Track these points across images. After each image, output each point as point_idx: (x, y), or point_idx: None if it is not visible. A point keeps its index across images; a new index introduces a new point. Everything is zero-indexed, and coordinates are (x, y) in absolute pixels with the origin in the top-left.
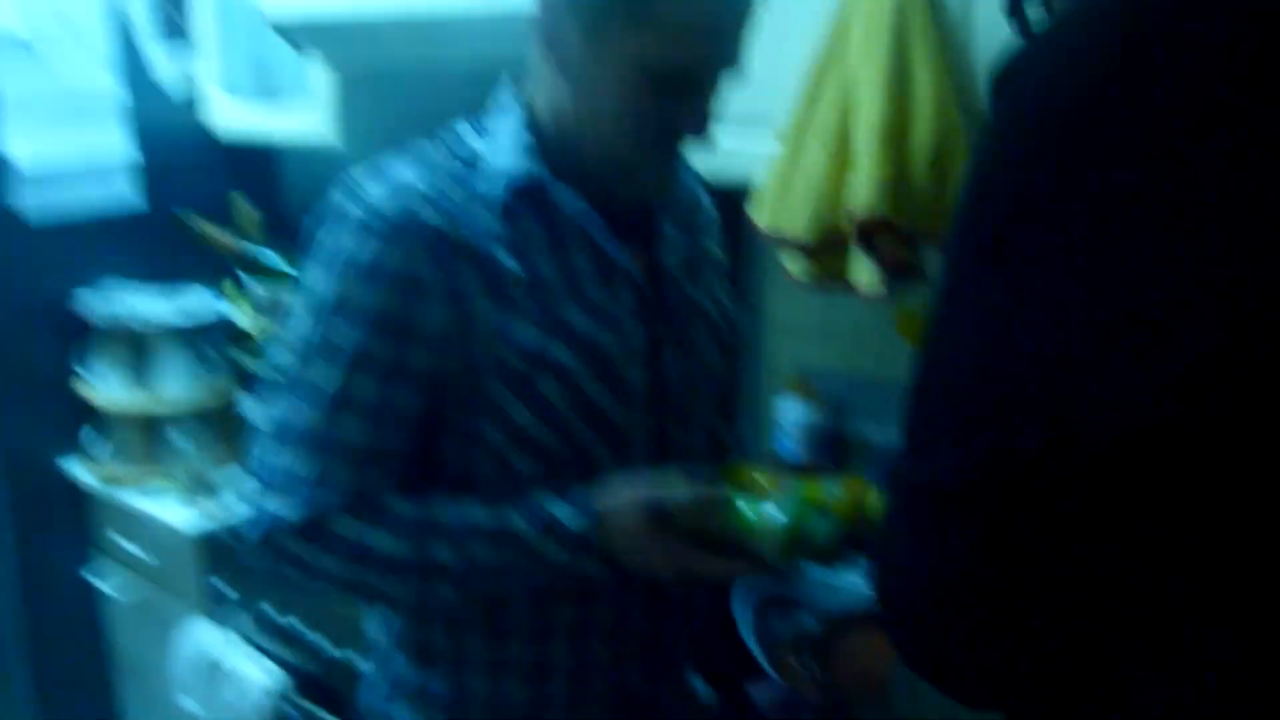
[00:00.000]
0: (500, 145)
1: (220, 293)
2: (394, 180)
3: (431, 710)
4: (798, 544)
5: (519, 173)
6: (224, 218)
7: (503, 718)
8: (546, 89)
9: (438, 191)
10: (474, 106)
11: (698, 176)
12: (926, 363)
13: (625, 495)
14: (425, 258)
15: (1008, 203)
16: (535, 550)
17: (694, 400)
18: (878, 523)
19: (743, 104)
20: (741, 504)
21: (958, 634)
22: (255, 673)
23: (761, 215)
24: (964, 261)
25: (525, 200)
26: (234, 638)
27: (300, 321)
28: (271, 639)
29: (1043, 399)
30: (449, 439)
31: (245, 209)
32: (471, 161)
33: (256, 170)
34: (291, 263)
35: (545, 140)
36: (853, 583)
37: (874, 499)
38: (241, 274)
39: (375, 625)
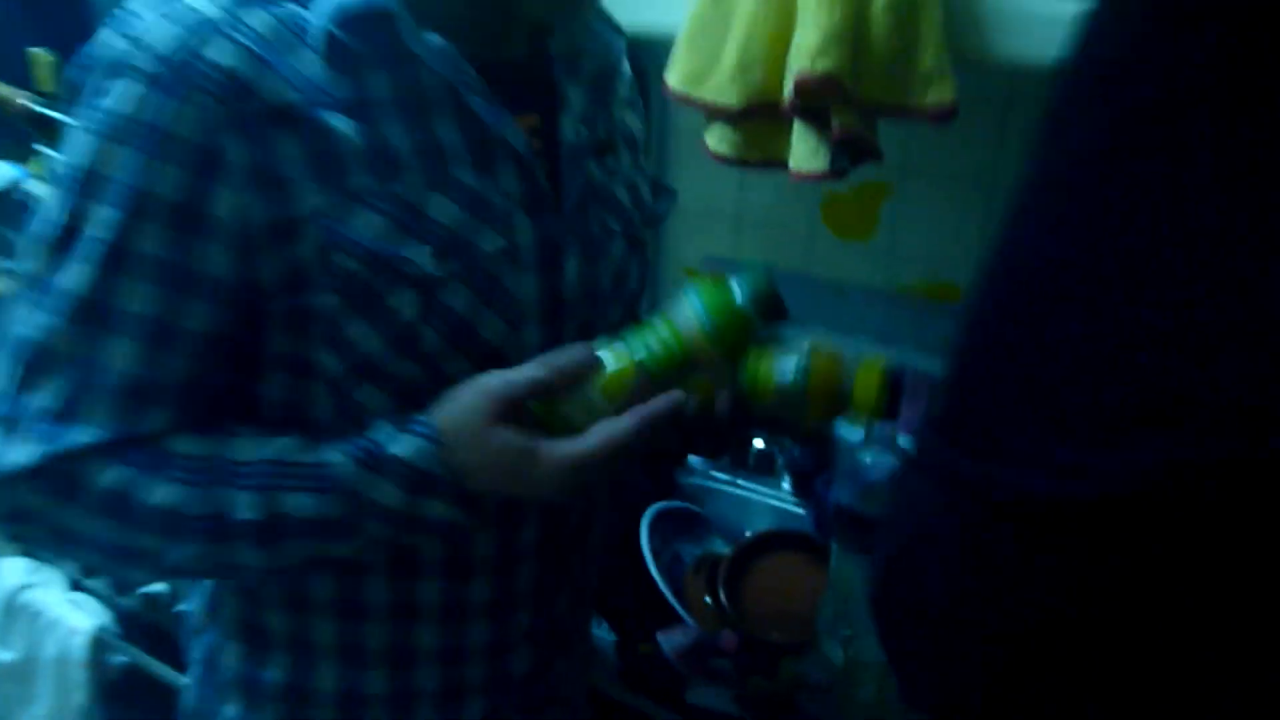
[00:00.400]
0: None
1: (21, 163)
2: (179, 7)
3: (270, 708)
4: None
5: None
6: (22, 76)
7: (359, 715)
8: None
9: (237, 23)
10: None
11: (616, 28)
12: (1002, 331)
13: (465, 396)
14: (221, 117)
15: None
16: (360, 492)
17: (599, 316)
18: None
19: None
20: (610, 352)
21: (1023, 684)
22: (75, 614)
23: (676, 74)
24: (1083, 184)
25: (365, 39)
26: (51, 576)
27: (51, 205)
28: (92, 576)
29: (1248, 391)
30: (272, 371)
31: (44, 64)
32: None
33: (59, 17)
34: None
35: None
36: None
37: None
38: (41, 141)
39: (196, 606)
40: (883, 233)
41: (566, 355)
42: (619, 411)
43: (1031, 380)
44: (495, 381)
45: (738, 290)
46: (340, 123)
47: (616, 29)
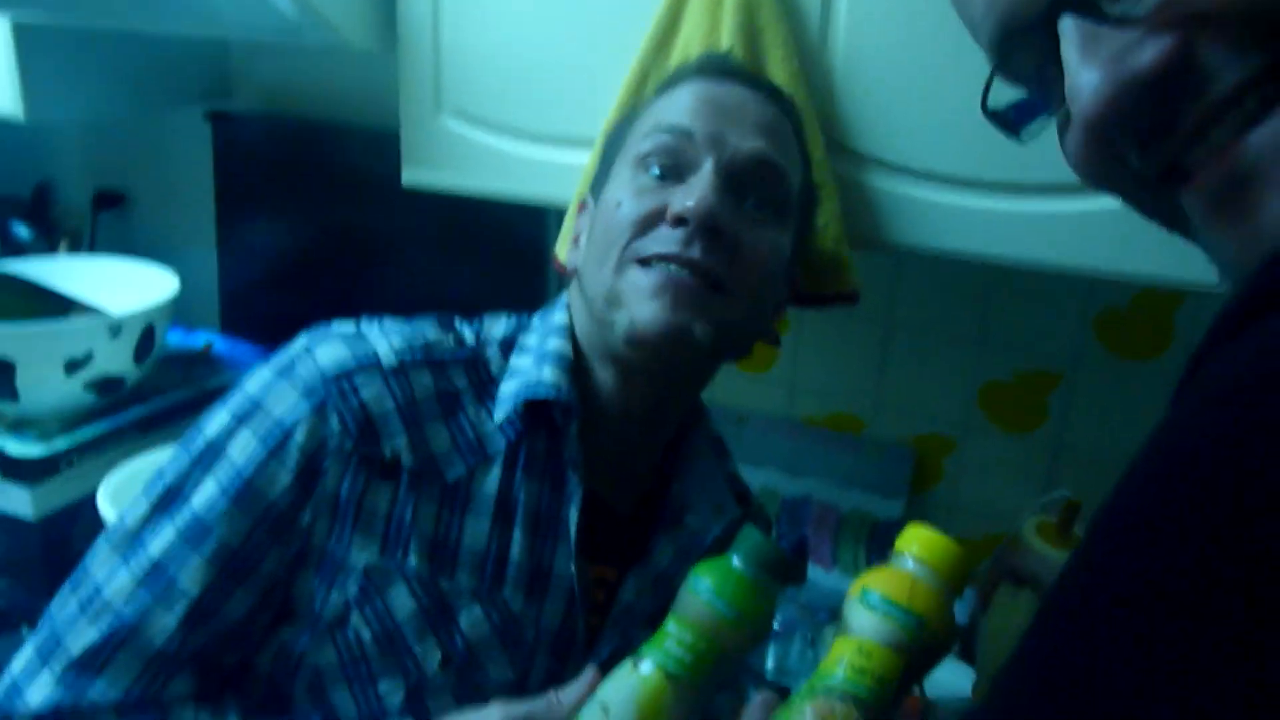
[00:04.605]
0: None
1: None
2: (363, 342)
3: None
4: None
5: (545, 385)
6: None
7: None
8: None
9: (401, 377)
10: (183, 76)
11: (743, 494)
12: None
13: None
14: (338, 445)
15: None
16: None
17: None
18: None
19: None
20: (635, 675)
21: None
22: None
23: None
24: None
25: (532, 426)
26: None
27: (170, 462)
28: None
29: None
30: (268, 650)
31: None
32: (472, 352)
33: None
34: None
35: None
36: None
37: None
38: None
39: None
40: (783, 364)
41: (577, 686)
42: None
43: None
44: (496, 713)
45: (739, 562)
46: (430, 504)
47: (743, 495)
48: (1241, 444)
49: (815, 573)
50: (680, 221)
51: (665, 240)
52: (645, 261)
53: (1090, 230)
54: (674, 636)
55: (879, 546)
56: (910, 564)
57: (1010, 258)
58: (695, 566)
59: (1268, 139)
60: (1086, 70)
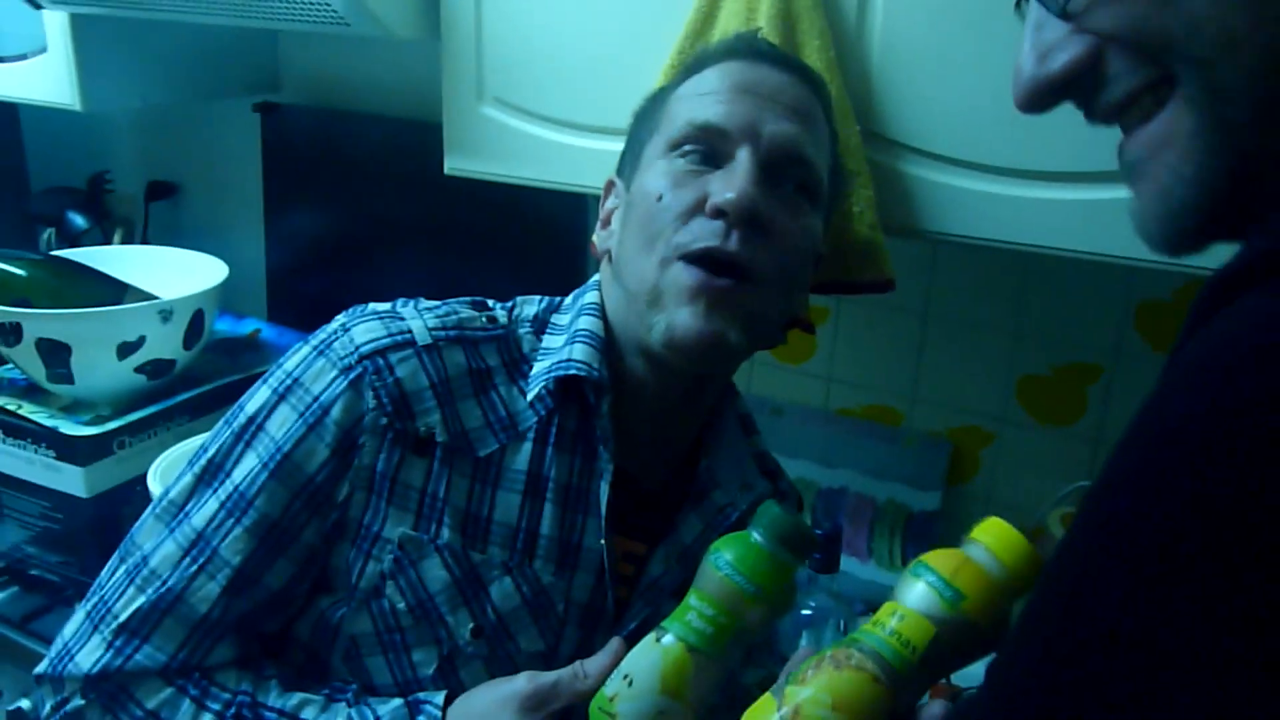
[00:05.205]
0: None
1: None
2: (397, 320)
3: None
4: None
5: (576, 363)
6: None
7: None
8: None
9: (435, 355)
10: (233, 68)
11: (771, 471)
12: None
13: (490, 693)
14: (374, 420)
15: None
16: None
17: None
18: None
19: None
20: (659, 647)
21: None
22: None
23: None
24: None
25: (563, 403)
26: None
27: (212, 436)
28: None
29: None
30: (305, 618)
31: None
32: (504, 331)
33: None
34: (32, 249)
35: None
36: None
37: None
38: None
39: None
40: (820, 356)
41: (602, 656)
42: (686, 704)
43: None
44: (523, 680)
45: (758, 536)
46: (463, 479)
47: (772, 472)
48: (1215, 417)
49: (850, 564)
50: (720, 213)
51: (705, 232)
52: (687, 258)
53: (1129, 219)
54: (695, 610)
55: (914, 538)
56: (974, 547)
57: (1048, 247)
58: (716, 541)
59: (1144, 140)
60: (1026, 57)
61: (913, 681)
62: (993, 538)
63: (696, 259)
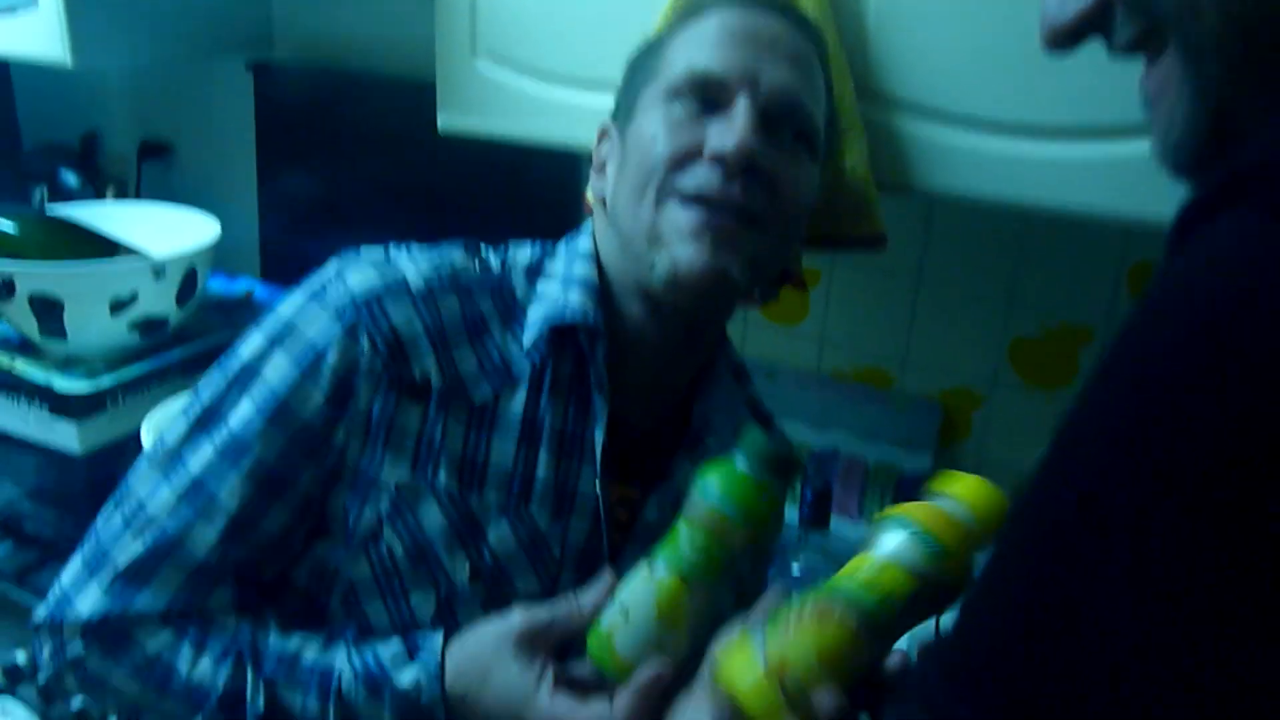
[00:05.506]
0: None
1: None
2: (392, 266)
3: None
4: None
5: (571, 310)
6: None
7: None
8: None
9: (430, 300)
10: (226, 26)
11: (764, 417)
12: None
13: (485, 630)
14: (369, 364)
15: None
16: (357, 711)
17: None
18: None
19: None
20: (651, 579)
21: None
22: None
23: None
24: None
25: (559, 349)
26: None
27: (206, 383)
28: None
29: None
30: (303, 565)
31: None
32: (498, 278)
33: None
34: (21, 205)
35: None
36: None
37: None
38: None
39: None
40: (813, 317)
41: (595, 589)
42: (682, 633)
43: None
44: (517, 616)
45: (742, 463)
46: (458, 424)
47: (764, 419)
48: (1181, 346)
49: (841, 525)
50: (719, 160)
51: (704, 178)
52: (685, 199)
53: (1127, 175)
54: (686, 540)
55: (905, 500)
56: (946, 500)
57: (1043, 204)
58: (701, 469)
59: (1153, 79)
60: (1049, 2)
61: (891, 633)
62: (967, 490)
63: (694, 199)
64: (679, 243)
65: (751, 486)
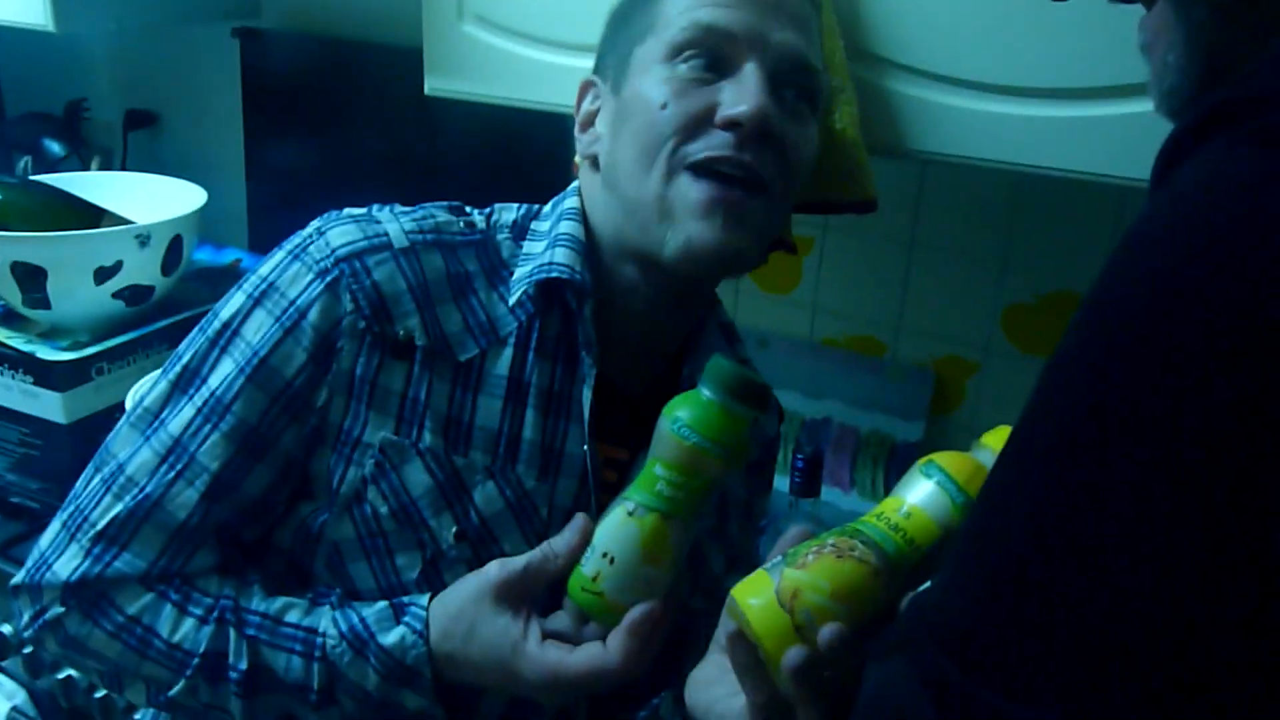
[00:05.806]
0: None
1: None
2: (374, 224)
3: None
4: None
5: (559, 266)
6: None
7: None
8: (588, 189)
9: (413, 258)
10: None
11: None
12: (1047, 575)
13: (466, 585)
14: (352, 324)
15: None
16: (342, 670)
17: None
18: None
19: None
20: (633, 519)
21: None
22: None
23: None
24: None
25: (546, 305)
26: None
27: (186, 344)
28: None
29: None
30: (286, 526)
31: None
32: (483, 236)
33: None
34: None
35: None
36: None
37: None
38: None
39: None
40: (805, 285)
41: (569, 534)
42: (668, 569)
43: (1074, 630)
44: (493, 569)
45: (709, 392)
46: (443, 383)
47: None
48: (1167, 275)
49: (833, 494)
50: (733, 126)
51: (716, 143)
52: (696, 170)
53: (1121, 136)
54: (662, 478)
55: (898, 468)
56: (986, 454)
57: (1037, 165)
58: (669, 403)
59: (1149, 25)
60: None
61: (910, 580)
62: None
63: (705, 170)
64: (691, 219)
65: (722, 415)
